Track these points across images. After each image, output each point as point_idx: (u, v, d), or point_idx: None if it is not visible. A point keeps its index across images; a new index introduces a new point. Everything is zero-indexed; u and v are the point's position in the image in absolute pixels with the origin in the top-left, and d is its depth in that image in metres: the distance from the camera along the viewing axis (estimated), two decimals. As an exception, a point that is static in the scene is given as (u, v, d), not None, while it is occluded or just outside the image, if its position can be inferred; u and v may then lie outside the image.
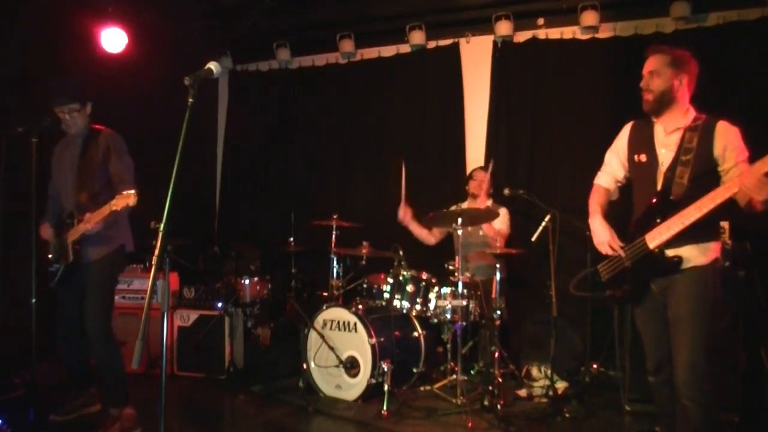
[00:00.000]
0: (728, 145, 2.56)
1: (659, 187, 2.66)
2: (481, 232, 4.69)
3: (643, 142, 2.78)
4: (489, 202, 4.87)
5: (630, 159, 2.83)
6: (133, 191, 3.04)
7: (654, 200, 2.66)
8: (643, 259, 2.67)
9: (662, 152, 2.69)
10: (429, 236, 4.98)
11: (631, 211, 2.82)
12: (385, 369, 3.88)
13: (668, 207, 2.59)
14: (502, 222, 4.78)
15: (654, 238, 2.62)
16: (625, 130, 2.90)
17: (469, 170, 5.51)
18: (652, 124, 2.77)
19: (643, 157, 2.74)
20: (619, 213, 2.96)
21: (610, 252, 2.77)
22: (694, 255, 2.59)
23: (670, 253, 2.61)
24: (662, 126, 2.73)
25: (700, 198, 2.49)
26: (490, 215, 4.47)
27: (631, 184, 2.89)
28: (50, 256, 3.51)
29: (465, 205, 4.98)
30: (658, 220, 2.61)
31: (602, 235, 2.79)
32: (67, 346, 3.57)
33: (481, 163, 5.45)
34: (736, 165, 2.54)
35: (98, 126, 3.58)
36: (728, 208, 2.51)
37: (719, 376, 2.63)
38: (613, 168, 2.95)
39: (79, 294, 3.43)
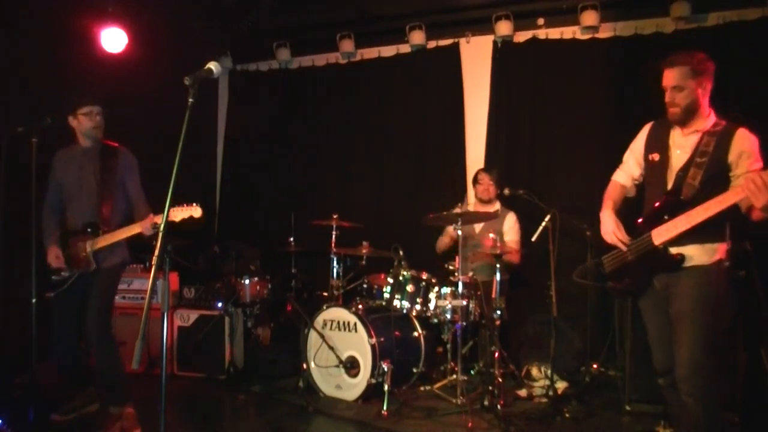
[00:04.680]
0: (744, 151, 2.58)
1: (670, 186, 2.70)
2: (490, 235, 4.68)
3: (658, 141, 2.82)
4: (497, 205, 4.87)
5: (646, 158, 2.87)
6: (197, 204, 3.13)
7: (664, 198, 2.70)
8: (647, 254, 2.71)
9: (677, 153, 2.73)
10: (450, 242, 4.94)
11: (642, 207, 2.86)
12: (385, 369, 3.88)
13: (677, 206, 2.63)
14: (513, 232, 4.80)
15: (660, 235, 2.66)
16: (644, 130, 2.93)
17: (469, 170, 5.52)
18: (671, 125, 2.79)
19: (656, 156, 2.79)
20: (631, 209, 2.99)
21: (615, 241, 2.80)
22: (697, 254, 2.62)
23: (674, 250, 2.64)
24: (680, 129, 2.75)
25: (708, 200, 2.51)
26: (489, 217, 4.47)
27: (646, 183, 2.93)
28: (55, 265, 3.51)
29: (472, 206, 4.98)
30: (666, 218, 2.65)
31: (609, 225, 2.84)
32: (64, 348, 3.57)
33: (482, 164, 5.45)
34: (747, 172, 2.54)
35: (112, 143, 3.63)
36: (731, 211, 2.53)
37: (720, 374, 2.65)
38: (629, 166, 3.00)
39: (81, 298, 3.45)
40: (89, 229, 3.45)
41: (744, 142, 2.60)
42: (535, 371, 4.47)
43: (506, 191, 4.63)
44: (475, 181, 4.95)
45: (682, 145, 2.72)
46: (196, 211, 3.14)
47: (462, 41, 5.73)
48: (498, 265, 4.14)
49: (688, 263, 2.62)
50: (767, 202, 2.35)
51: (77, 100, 3.50)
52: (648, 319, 2.84)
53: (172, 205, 3.09)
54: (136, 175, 3.62)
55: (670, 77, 2.69)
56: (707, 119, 2.70)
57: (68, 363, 3.63)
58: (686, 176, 2.63)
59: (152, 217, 3.29)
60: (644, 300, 2.83)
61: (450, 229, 4.90)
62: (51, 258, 3.50)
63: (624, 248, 2.77)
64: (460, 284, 4.08)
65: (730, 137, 2.61)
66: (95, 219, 3.47)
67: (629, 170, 3.00)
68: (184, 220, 3.17)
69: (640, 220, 2.78)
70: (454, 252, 4.27)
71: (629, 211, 2.98)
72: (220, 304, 4.78)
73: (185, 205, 3.15)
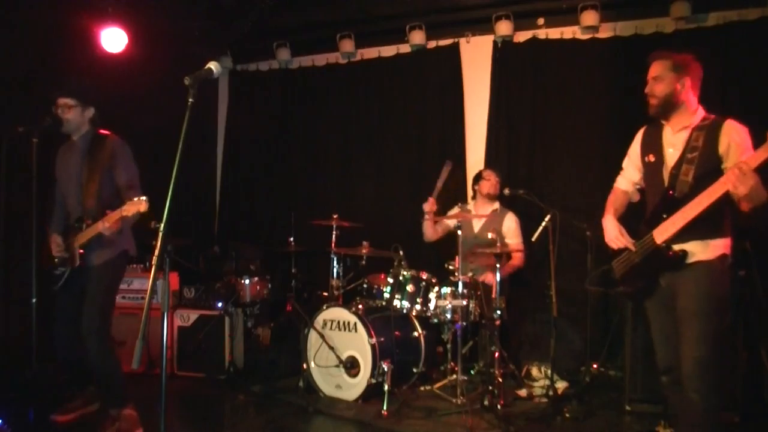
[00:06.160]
0: (732, 142, 2.59)
1: (666, 184, 2.72)
2: (489, 235, 4.67)
3: (652, 143, 2.86)
4: (497, 205, 4.87)
5: (642, 160, 2.91)
6: (144, 198, 3.04)
7: (661, 197, 2.72)
8: (651, 254, 2.73)
9: (669, 152, 2.76)
10: (433, 233, 4.93)
11: (645, 211, 2.88)
12: (385, 369, 3.87)
13: (673, 203, 2.65)
14: (515, 234, 4.79)
15: (661, 234, 2.68)
16: (639, 135, 2.97)
17: (469, 170, 5.52)
18: (662, 126, 2.83)
19: (652, 157, 2.83)
20: (634, 214, 3.01)
21: (620, 245, 2.83)
22: (699, 250, 2.63)
23: (676, 247, 2.65)
24: (670, 127, 2.79)
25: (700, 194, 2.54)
26: (496, 218, 4.47)
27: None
28: (56, 259, 3.48)
29: (472, 205, 4.98)
30: (664, 216, 2.67)
31: (612, 232, 2.87)
32: (65, 348, 3.55)
33: (482, 164, 5.45)
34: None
35: (104, 131, 3.56)
36: (730, 207, 2.55)
37: (724, 371, 2.67)
38: (629, 172, 3.05)
39: (79, 297, 3.41)
40: (76, 224, 3.41)
41: (732, 133, 2.61)
42: (535, 371, 4.47)
43: (506, 191, 4.63)
44: (480, 178, 4.92)
45: (673, 143, 2.75)
46: (142, 206, 3.03)
47: (462, 41, 5.73)
48: (498, 265, 4.14)
49: (690, 259, 2.63)
50: (747, 191, 2.38)
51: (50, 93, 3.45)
52: (652, 317, 2.85)
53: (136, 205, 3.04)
54: (127, 163, 3.46)
55: (652, 69, 2.78)
56: (695, 115, 2.73)
57: (70, 362, 3.61)
58: (679, 173, 2.66)
59: (108, 214, 3.15)
60: (650, 298, 2.84)
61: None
62: (53, 247, 3.46)
63: (633, 248, 2.79)
64: (460, 284, 4.08)
65: (718, 130, 2.63)
66: (81, 213, 3.42)
67: (629, 176, 3.04)
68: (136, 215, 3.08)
69: (643, 223, 2.79)
70: (454, 251, 4.27)
71: (632, 215, 3.00)
72: (220, 304, 4.77)
73: (135, 198, 3.07)
